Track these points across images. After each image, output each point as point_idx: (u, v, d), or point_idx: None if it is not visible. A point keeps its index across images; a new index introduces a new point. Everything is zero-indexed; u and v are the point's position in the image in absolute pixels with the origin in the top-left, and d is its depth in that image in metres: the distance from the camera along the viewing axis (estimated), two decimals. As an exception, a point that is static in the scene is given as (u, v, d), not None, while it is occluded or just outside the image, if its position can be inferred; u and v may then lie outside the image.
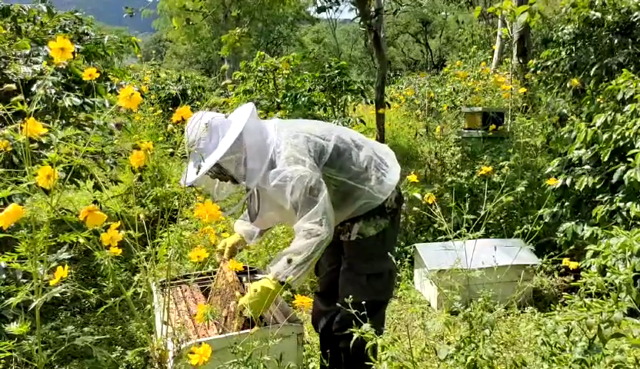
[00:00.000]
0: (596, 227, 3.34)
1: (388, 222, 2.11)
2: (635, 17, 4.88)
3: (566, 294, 1.77)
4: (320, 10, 6.38)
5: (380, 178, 2.08)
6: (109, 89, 3.88)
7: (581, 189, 3.51)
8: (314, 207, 1.84)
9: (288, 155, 1.90)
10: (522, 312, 3.30)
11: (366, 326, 1.54)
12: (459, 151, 5.62)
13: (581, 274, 1.70)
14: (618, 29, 5.04)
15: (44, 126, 1.27)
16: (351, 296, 1.65)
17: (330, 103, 5.96)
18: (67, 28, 4.03)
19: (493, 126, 5.75)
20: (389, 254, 2.02)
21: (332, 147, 2.00)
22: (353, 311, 1.61)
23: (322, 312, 2.34)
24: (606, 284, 1.58)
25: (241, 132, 1.87)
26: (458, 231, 1.80)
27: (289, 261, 1.78)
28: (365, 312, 1.61)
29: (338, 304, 1.75)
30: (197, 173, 1.84)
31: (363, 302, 1.68)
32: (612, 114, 3.51)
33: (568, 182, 3.62)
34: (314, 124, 2.13)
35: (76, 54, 3.61)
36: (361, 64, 30.48)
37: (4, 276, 2.15)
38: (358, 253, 2.11)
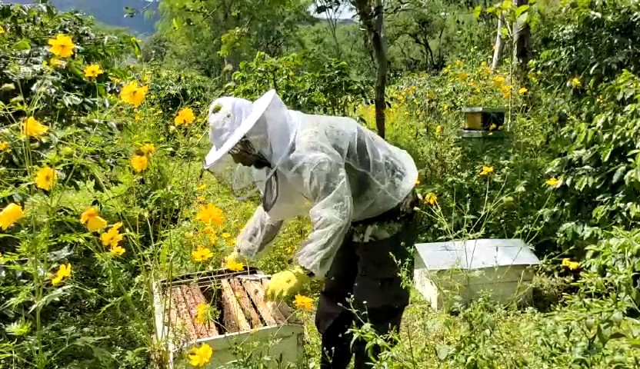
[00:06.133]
0: (596, 228, 3.34)
1: (402, 226, 2.10)
2: (635, 17, 4.88)
3: (566, 294, 1.77)
4: (320, 10, 6.39)
5: (395, 181, 2.08)
6: (109, 89, 3.88)
7: (581, 189, 3.51)
8: (330, 193, 1.86)
9: (309, 141, 1.92)
10: (522, 312, 3.30)
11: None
12: (459, 151, 5.62)
13: (581, 274, 1.69)
14: (617, 29, 5.04)
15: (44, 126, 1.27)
16: (365, 302, 1.65)
17: (330, 103, 5.96)
18: (67, 29, 4.03)
19: (493, 126, 5.75)
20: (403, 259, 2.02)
21: (352, 138, 2.02)
22: (353, 312, 1.61)
23: (327, 314, 2.33)
24: (606, 284, 1.58)
25: (265, 113, 1.91)
26: (458, 231, 1.80)
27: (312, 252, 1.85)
28: (378, 316, 1.61)
29: (352, 308, 1.75)
30: (219, 154, 1.88)
31: (377, 307, 1.68)
32: (612, 114, 3.51)
33: (568, 182, 3.62)
34: (335, 118, 2.19)
35: (76, 55, 3.61)
36: (361, 64, 30.47)
37: (3, 274, 2.15)
38: (371, 256, 2.11)
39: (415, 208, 2.12)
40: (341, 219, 1.84)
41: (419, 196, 2.12)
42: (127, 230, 1.43)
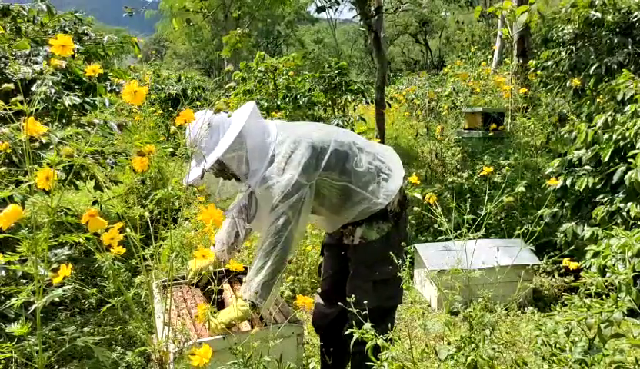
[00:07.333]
0: (596, 228, 3.34)
1: (391, 226, 2.09)
2: (635, 17, 4.88)
3: (566, 294, 1.77)
4: (320, 10, 6.37)
5: (381, 184, 2.06)
6: (109, 89, 3.88)
7: (581, 189, 3.51)
8: (280, 220, 1.86)
9: (281, 161, 1.92)
10: (522, 312, 3.30)
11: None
12: (459, 151, 5.63)
13: (581, 274, 1.70)
14: (618, 29, 5.04)
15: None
16: (364, 302, 1.64)
17: (330, 103, 5.97)
18: (67, 29, 4.03)
19: (494, 126, 5.75)
20: (395, 258, 2.00)
21: (331, 151, 1.99)
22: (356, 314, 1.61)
23: (324, 314, 2.33)
24: (606, 285, 1.59)
25: (242, 130, 1.88)
26: (458, 231, 1.80)
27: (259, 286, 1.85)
28: (372, 317, 1.61)
29: (347, 309, 1.74)
30: (199, 171, 1.85)
31: (371, 308, 1.67)
32: (612, 114, 3.51)
33: (568, 183, 3.62)
34: (314, 128, 2.12)
35: (76, 55, 3.61)
36: (361, 64, 30.49)
37: (3, 274, 2.15)
38: (362, 258, 2.10)
39: (416, 208, 2.11)
40: (279, 258, 1.86)
41: (419, 196, 2.12)
42: (127, 230, 1.43)
